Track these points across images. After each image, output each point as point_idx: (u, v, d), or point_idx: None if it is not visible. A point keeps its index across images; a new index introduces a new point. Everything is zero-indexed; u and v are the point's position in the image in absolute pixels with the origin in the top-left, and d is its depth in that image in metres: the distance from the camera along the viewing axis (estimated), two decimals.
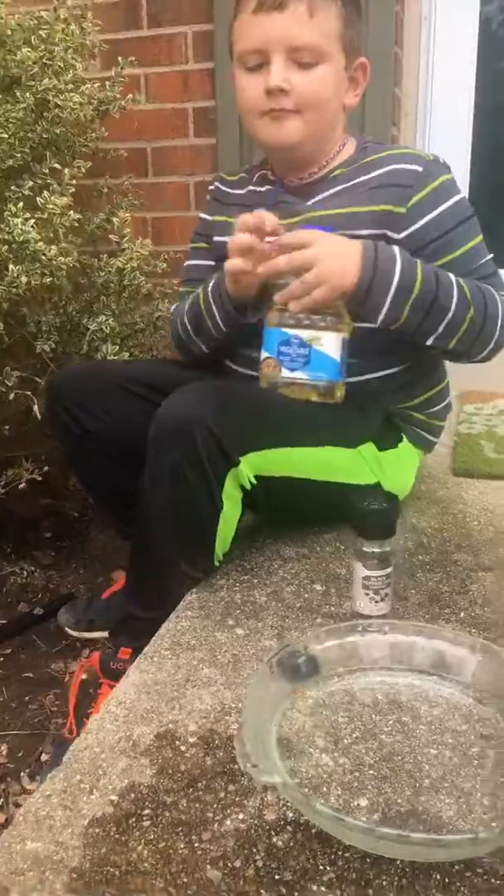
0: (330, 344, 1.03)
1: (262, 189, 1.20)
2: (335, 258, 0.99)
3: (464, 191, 1.94)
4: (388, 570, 0.91)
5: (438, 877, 0.58)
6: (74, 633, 1.33)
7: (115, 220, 1.48)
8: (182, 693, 0.82)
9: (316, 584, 1.04)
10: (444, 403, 1.29)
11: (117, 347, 1.47)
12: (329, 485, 1.07)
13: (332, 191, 1.14)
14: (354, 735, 0.73)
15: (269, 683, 0.76)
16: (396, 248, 1.02)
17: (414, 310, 1.01)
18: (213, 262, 1.23)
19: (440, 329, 1.04)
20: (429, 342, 1.05)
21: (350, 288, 0.99)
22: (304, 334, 1.03)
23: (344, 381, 1.06)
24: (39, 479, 1.46)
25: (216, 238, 1.22)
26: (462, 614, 0.95)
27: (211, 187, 1.30)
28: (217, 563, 1.05)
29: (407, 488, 1.25)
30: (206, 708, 0.79)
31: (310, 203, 1.14)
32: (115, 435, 1.14)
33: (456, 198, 1.12)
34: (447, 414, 1.31)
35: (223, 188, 1.27)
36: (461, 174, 1.94)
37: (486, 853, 0.60)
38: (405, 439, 1.23)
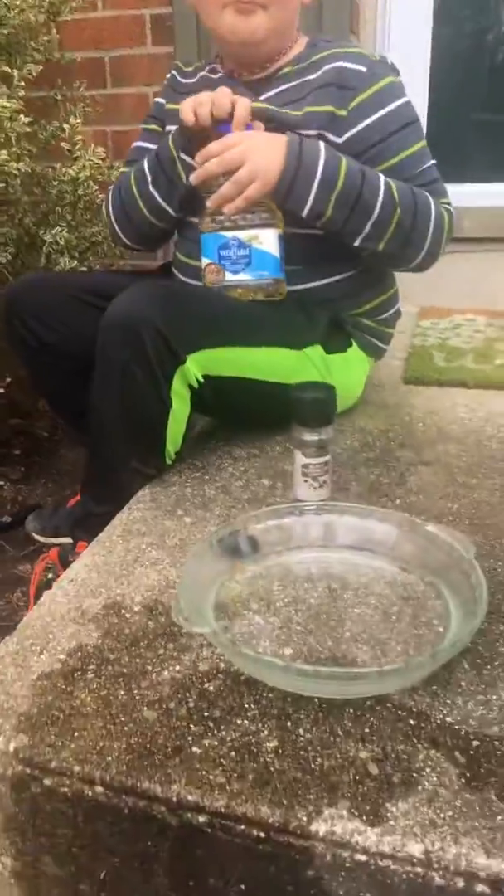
0: (268, 241, 1.06)
1: (215, 77, 1.21)
2: (263, 152, 1.01)
3: (423, 100, 1.93)
4: (326, 457, 0.95)
5: (351, 710, 0.65)
6: (41, 539, 1.38)
7: (66, 126, 1.46)
8: (130, 571, 0.87)
9: (263, 479, 1.09)
10: (393, 310, 1.33)
11: (76, 261, 1.48)
12: (276, 385, 1.10)
13: (278, 89, 1.14)
14: (286, 600, 0.79)
15: (210, 559, 0.82)
16: (322, 143, 1.04)
17: (338, 205, 1.03)
18: None
19: (367, 229, 1.06)
20: (357, 243, 1.08)
21: (274, 180, 1.01)
22: (243, 235, 1.05)
23: (284, 278, 1.09)
24: (2, 390, 1.48)
25: (169, 126, 1.22)
26: (398, 501, 1.01)
27: (168, 75, 1.30)
28: (169, 462, 1.10)
29: (356, 392, 1.29)
30: (152, 583, 0.85)
31: (260, 99, 1.14)
32: (72, 347, 1.16)
33: (400, 101, 1.12)
34: (396, 321, 1.35)
35: (179, 77, 1.27)
36: (420, 83, 1.92)
37: (394, 689, 0.66)
38: (355, 345, 1.27)
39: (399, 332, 1.55)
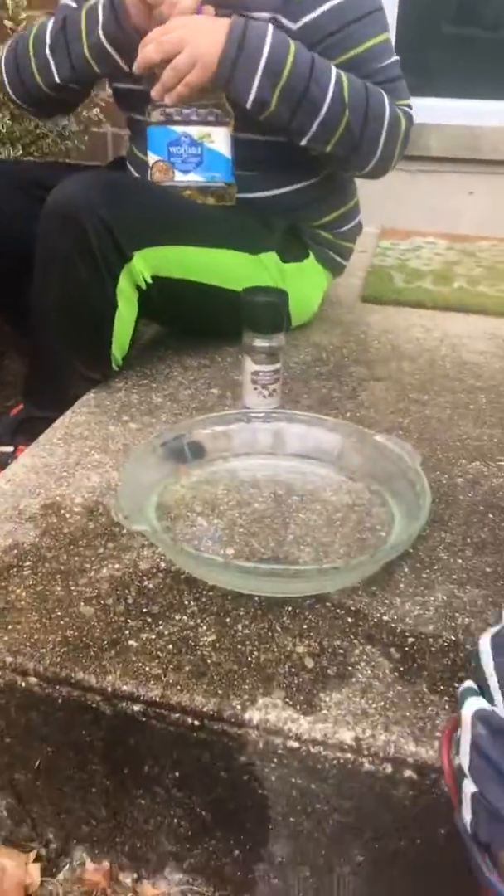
0: (220, 140, 1.01)
1: None
2: (204, 36, 0.95)
3: (392, 8, 1.83)
4: (277, 365, 0.93)
5: (290, 608, 0.65)
6: None
7: (9, 2, 1.34)
8: (71, 473, 0.85)
9: (213, 388, 1.06)
10: (353, 224, 1.29)
11: (20, 152, 1.39)
12: (228, 291, 1.06)
13: None
14: (231, 503, 0.78)
15: (153, 462, 0.80)
16: (270, 28, 0.97)
17: (283, 98, 0.98)
18: None
19: (313, 128, 1.01)
20: (303, 142, 1.03)
21: (214, 65, 0.95)
22: (194, 131, 1.00)
23: (235, 182, 1.04)
24: None
25: None
26: (348, 415, 1.00)
27: None
28: (115, 367, 1.06)
29: (311, 305, 1.26)
30: (94, 485, 0.82)
31: None
32: (12, 242, 1.08)
33: None
34: (356, 236, 1.31)
35: None
36: None
37: (334, 589, 0.66)
38: (312, 257, 1.23)
39: (360, 252, 1.52)
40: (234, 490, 0.80)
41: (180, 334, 1.20)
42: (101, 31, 1.02)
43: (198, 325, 1.15)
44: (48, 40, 1.08)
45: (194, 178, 1.04)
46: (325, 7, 1.02)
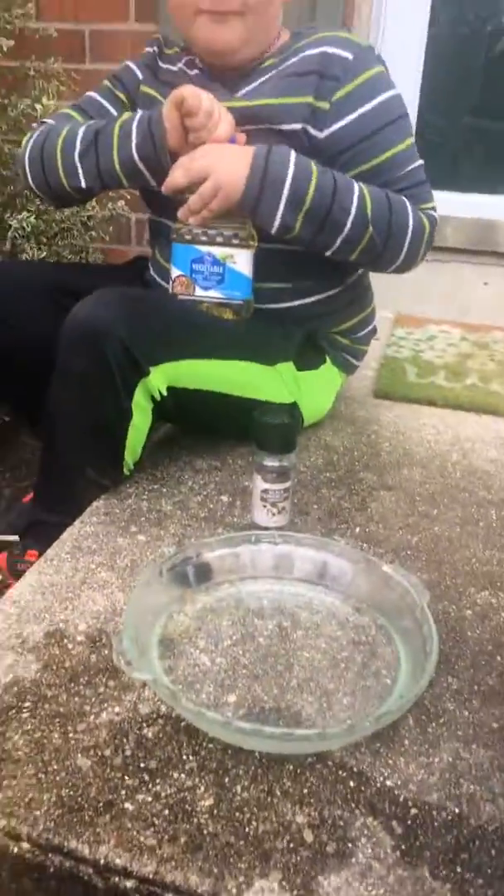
0: (242, 262, 1.03)
1: (191, 73, 1.14)
2: (228, 166, 0.98)
3: (412, 101, 1.88)
4: (287, 484, 0.93)
5: (291, 767, 0.63)
6: None
7: (38, 106, 1.39)
8: (77, 594, 0.84)
9: (223, 495, 1.06)
10: (370, 328, 1.31)
11: (43, 251, 1.42)
12: (243, 400, 1.07)
13: (259, 81, 1.08)
14: (235, 637, 0.77)
15: (159, 587, 0.79)
16: (293, 155, 1.00)
17: (307, 222, 1.00)
18: (115, 114, 1.16)
19: (337, 244, 1.03)
20: (327, 254, 1.05)
21: (238, 195, 0.98)
22: (218, 252, 1.03)
23: (253, 298, 1.07)
24: None
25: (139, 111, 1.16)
26: (357, 530, 0.99)
27: (150, 49, 1.20)
28: (127, 472, 1.06)
29: (324, 410, 1.27)
30: (99, 609, 0.82)
31: (237, 95, 1.09)
32: (27, 347, 1.09)
33: (388, 94, 1.07)
34: (371, 338, 1.33)
35: (159, 60, 1.19)
36: (411, 86, 1.87)
37: (336, 748, 0.65)
38: (328, 361, 1.24)
39: (374, 340, 1.53)
40: (239, 621, 0.80)
41: (193, 433, 1.21)
42: (134, 150, 1.05)
43: (211, 428, 1.16)
44: (78, 146, 1.09)
45: (214, 294, 1.07)
46: (352, 116, 1.04)
